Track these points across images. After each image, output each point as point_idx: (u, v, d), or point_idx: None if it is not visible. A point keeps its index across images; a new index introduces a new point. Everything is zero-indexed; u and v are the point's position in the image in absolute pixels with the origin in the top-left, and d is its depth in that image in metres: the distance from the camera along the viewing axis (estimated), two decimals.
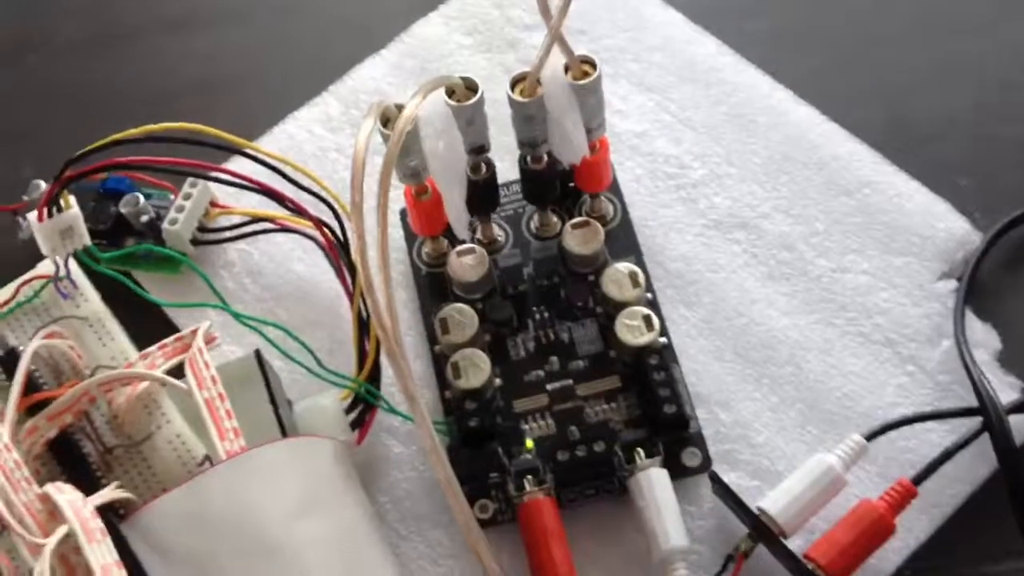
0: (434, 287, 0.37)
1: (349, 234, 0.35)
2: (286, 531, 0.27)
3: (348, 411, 0.34)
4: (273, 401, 0.32)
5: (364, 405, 0.34)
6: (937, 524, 0.32)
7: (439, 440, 0.29)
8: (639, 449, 0.32)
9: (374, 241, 0.27)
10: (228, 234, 0.38)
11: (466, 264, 0.36)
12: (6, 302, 0.32)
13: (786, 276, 0.36)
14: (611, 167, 0.36)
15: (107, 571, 0.26)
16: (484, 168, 0.34)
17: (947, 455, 0.31)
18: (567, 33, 0.41)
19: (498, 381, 0.35)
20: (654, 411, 0.33)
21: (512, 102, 0.32)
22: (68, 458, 0.30)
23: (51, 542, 0.26)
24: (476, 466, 0.33)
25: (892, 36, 0.42)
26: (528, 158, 0.34)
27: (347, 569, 0.28)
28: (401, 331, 0.36)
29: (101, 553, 0.26)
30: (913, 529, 0.32)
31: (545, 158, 0.34)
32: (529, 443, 0.34)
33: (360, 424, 0.34)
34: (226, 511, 0.27)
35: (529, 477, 0.32)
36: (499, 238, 0.37)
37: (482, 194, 0.34)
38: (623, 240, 0.37)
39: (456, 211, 0.33)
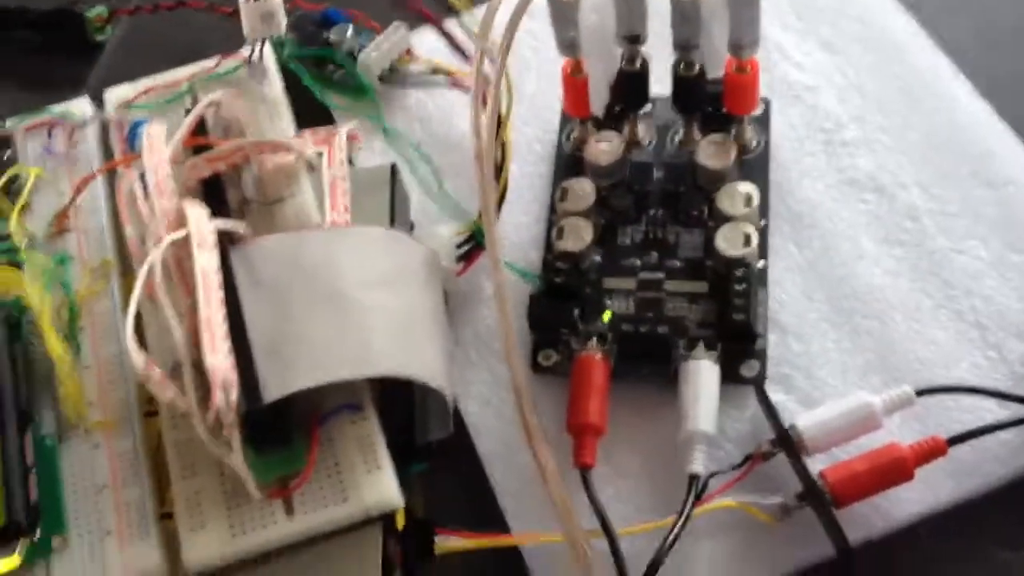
0: (570, 167, 0.39)
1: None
2: (359, 293, 0.31)
3: (460, 246, 0.37)
4: (392, 210, 0.36)
5: (475, 244, 0.38)
6: (963, 493, 0.32)
7: (509, 275, 0.31)
8: (701, 343, 0.34)
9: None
10: (413, 80, 0.43)
11: (601, 149, 0.38)
12: (208, 70, 0.38)
13: (902, 242, 0.37)
14: (759, 94, 0.38)
15: (207, 273, 0.30)
16: (638, 62, 0.36)
17: (989, 428, 0.32)
18: None
19: (598, 259, 0.37)
20: (725, 316, 0.35)
21: None
22: (213, 197, 0.35)
23: (172, 236, 0.31)
24: (551, 317, 0.36)
25: None
26: (681, 64, 0.37)
27: (402, 339, 0.31)
28: (530, 198, 0.40)
29: (207, 259, 0.31)
30: (937, 489, 0.32)
31: (697, 67, 0.36)
32: (607, 315, 0.36)
33: (466, 259, 0.37)
34: (316, 262, 0.31)
35: (596, 339, 0.35)
36: (642, 139, 0.39)
37: (630, 86, 0.37)
38: (756, 171, 0.38)
39: (595, 86, 0.36)
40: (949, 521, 0.32)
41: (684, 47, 0.36)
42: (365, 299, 0.31)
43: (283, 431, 0.30)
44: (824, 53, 0.42)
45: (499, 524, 0.34)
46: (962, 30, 0.42)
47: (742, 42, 0.35)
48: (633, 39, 0.36)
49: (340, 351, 0.30)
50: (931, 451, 0.31)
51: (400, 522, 0.31)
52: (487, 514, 0.34)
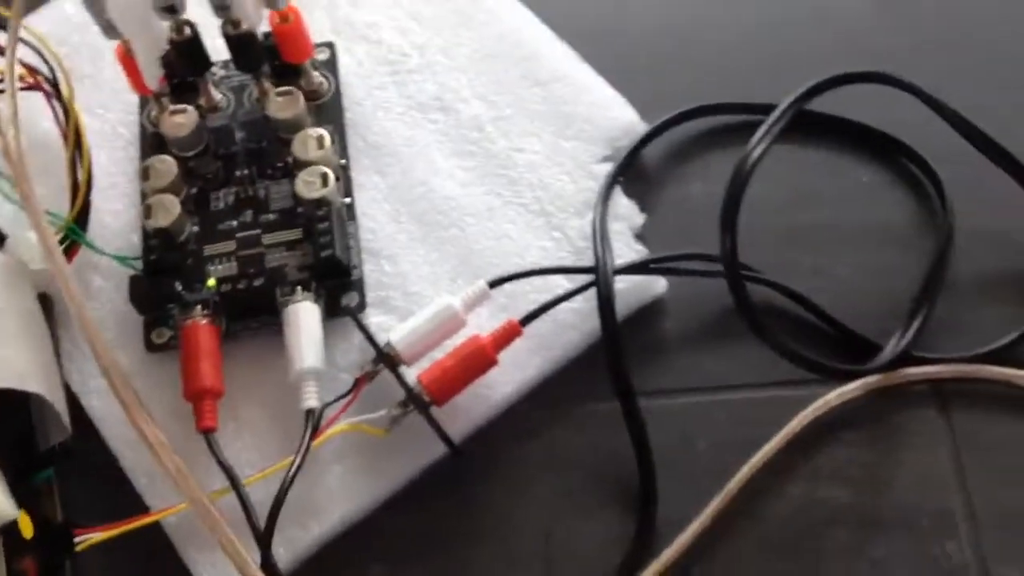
0: (156, 145, 0.40)
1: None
2: None
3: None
4: None
5: (71, 241, 0.38)
6: (550, 365, 0.36)
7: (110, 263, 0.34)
8: (299, 287, 0.36)
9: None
10: None
11: (176, 121, 0.39)
12: None
13: (471, 153, 0.40)
14: (311, 40, 0.40)
15: None
16: (186, 30, 0.37)
17: (555, 302, 0.35)
18: None
19: (195, 228, 0.38)
20: (316, 256, 0.37)
21: None
22: None
23: None
24: (153, 295, 0.37)
25: None
26: (227, 24, 0.38)
27: None
28: (124, 182, 0.40)
29: None
30: (524, 366, 0.36)
31: (244, 24, 0.38)
32: (211, 282, 0.37)
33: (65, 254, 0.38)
34: None
35: (199, 307, 0.36)
36: (221, 105, 0.41)
37: (184, 55, 0.38)
38: (331, 113, 0.41)
39: (144, 62, 0.36)
40: (543, 392, 0.36)
41: (219, 7, 0.37)
42: None
43: None
44: None
45: (142, 508, 0.35)
46: None
47: None
48: (169, 9, 0.36)
49: None
50: (508, 333, 0.35)
51: (27, 532, 0.31)
52: (128, 501, 0.35)
